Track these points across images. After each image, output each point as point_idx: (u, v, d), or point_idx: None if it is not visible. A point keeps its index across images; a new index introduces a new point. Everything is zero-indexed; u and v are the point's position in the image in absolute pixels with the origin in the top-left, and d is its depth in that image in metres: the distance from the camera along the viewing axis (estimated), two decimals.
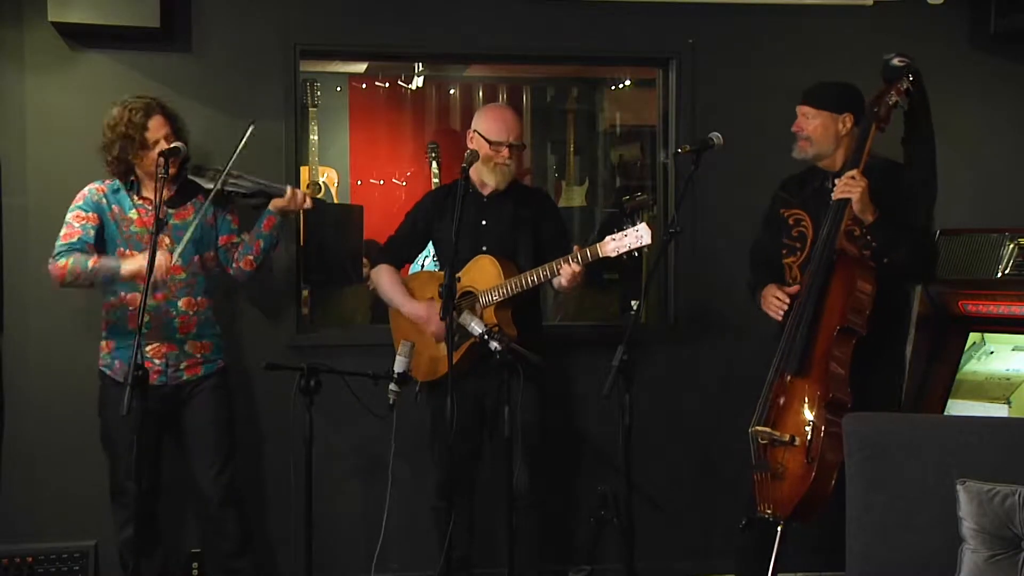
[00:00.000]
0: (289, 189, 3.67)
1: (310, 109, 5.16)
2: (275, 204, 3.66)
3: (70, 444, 3.95)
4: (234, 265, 3.67)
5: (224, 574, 3.70)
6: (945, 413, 3.54)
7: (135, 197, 3.55)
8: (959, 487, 2.57)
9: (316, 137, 5.30)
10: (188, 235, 3.46)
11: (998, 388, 3.49)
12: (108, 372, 3.55)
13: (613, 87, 5.98)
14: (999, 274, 3.49)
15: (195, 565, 3.99)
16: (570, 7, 4.26)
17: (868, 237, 3.28)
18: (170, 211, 3.54)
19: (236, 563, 3.65)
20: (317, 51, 4.42)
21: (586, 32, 4.30)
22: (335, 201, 5.67)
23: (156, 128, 3.47)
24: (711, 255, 4.25)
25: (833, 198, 3.31)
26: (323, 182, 5.60)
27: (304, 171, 5.03)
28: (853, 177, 3.26)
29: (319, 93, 5.24)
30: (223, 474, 3.59)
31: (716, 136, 3.45)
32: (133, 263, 3.39)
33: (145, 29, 3.83)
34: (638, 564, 3.46)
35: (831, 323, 3.24)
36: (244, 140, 3.58)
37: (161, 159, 3.26)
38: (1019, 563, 2.47)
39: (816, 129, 3.45)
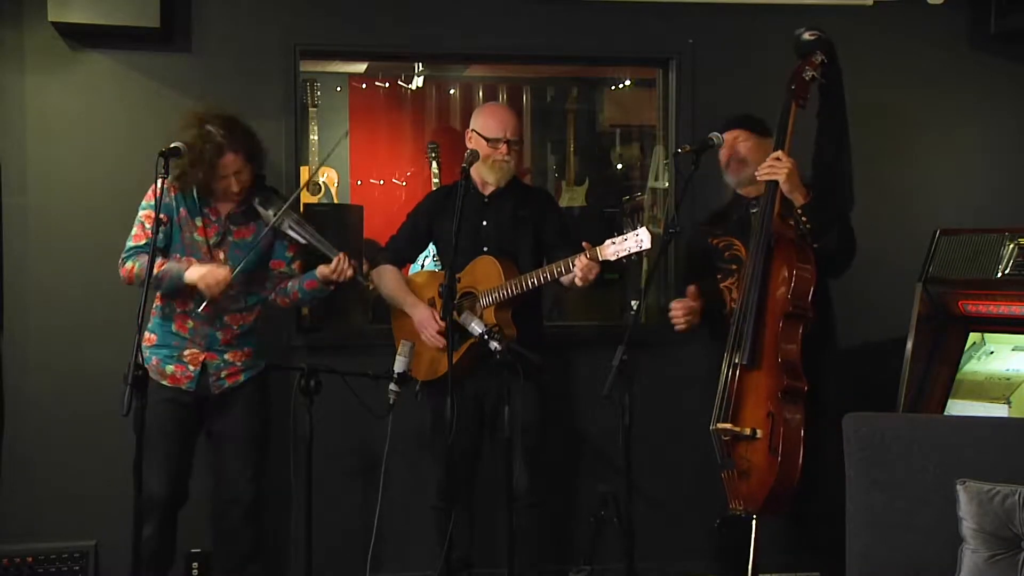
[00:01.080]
0: (339, 256, 3.48)
1: (310, 109, 5.17)
2: (321, 272, 3.51)
3: (70, 444, 3.96)
4: (272, 296, 3.62)
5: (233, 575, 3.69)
6: (945, 413, 3.53)
7: (204, 207, 3.50)
8: (959, 487, 2.56)
9: (316, 137, 5.30)
10: (250, 256, 3.46)
11: (998, 388, 3.49)
12: (145, 365, 3.48)
13: (613, 87, 5.98)
14: (999, 274, 3.49)
15: (195, 565, 3.99)
16: (570, 7, 4.27)
17: (803, 219, 3.30)
18: (231, 227, 3.51)
19: (248, 567, 3.62)
20: (317, 51, 4.42)
21: (586, 32, 4.30)
22: (335, 201, 5.67)
23: (228, 164, 3.41)
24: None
25: (759, 179, 3.34)
26: (323, 182, 5.60)
27: (304, 171, 5.03)
28: (779, 158, 3.29)
29: (319, 93, 5.24)
30: (254, 481, 3.57)
31: (716, 136, 3.46)
32: (196, 272, 3.35)
33: (145, 29, 3.84)
34: (638, 564, 3.46)
35: (776, 310, 3.27)
36: (303, 187, 3.57)
37: (162, 159, 3.24)
38: (1019, 563, 2.47)
39: (753, 151, 3.52)
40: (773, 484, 3.17)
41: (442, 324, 3.58)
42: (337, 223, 4.81)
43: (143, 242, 3.42)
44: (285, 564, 4.07)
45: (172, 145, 3.29)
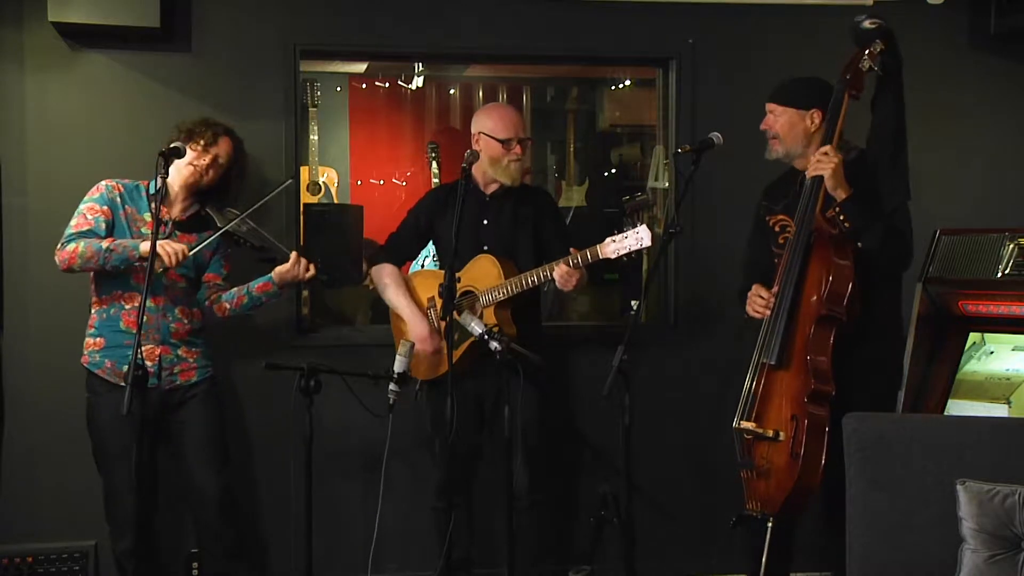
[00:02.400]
0: (293, 254, 3.57)
1: (310, 109, 5.17)
2: (278, 271, 3.58)
3: (70, 444, 3.94)
4: (207, 304, 3.64)
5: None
6: (945, 413, 3.53)
7: (152, 206, 3.50)
8: (959, 487, 2.56)
9: (316, 137, 5.30)
10: (197, 247, 3.47)
11: (998, 388, 3.48)
12: (96, 371, 3.52)
13: (613, 87, 5.98)
14: (999, 274, 3.48)
15: (195, 565, 3.99)
16: (570, 7, 4.27)
17: (841, 217, 3.18)
18: (177, 232, 3.52)
19: (233, 565, 3.64)
20: (317, 51, 4.42)
21: (586, 32, 4.30)
22: (335, 201, 5.68)
23: (220, 149, 3.51)
24: (711, 255, 4.25)
25: (807, 176, 3.25)
26: (323, 182, 5.60)
27: (304, 171, 5.03)
28: (826, 153, 3.19)
29: (319, 93, 5.24)
30: (221, 477, 3.59)
31: (716, 136, 3.44)
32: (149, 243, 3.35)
33: (145, 29, 3.83)
34: (638, 564, 3.46)
35: (810, 312, 3.19)
36: (272, 195, 3.56)
37: (161, 159, 3.25)
38: (1019, 563, 2.47)
39: (783, 126, 3.39)
40: (792, 488, 3.11)
41: (439, 344, 3.60)
42: (337, 223, 4.81)
43: (86, 228, 3.43)
44: (285, 564, 4.07)
45: (172, 145, 3.30)
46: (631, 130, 6.02)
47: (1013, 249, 3.48)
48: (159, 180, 3.21)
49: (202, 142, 3.48)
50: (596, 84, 6.10)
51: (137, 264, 3.39)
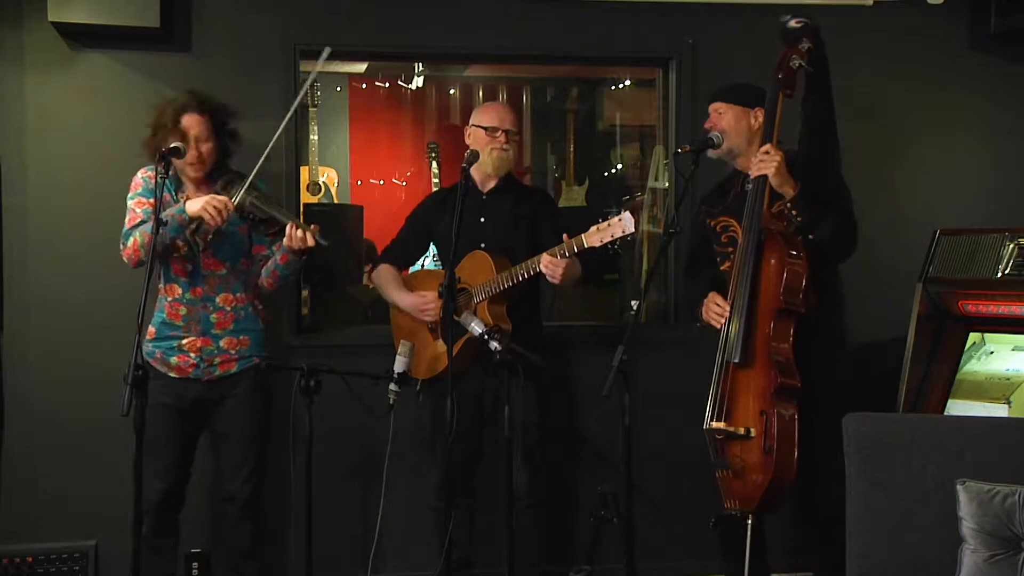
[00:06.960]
0: (289, 226, 3.36)
1: (310, 109, 5.17)
2: (285, 242, 3.42)
3: (70, 444, 3.96)
4: (260, 279, 3.59)
5: (230, 573, 3.69)
6: (945, 413, 3.53)
7: (180, 194, 3.47)
8: (959, 487, 2.57)
9: (316, 137, 5.31)
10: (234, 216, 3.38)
11: (998, 388, 3.49)
12: (150, 359, 3.45)
13: (613, 87, 5.98)
14: (999, 274, 3.49)
15: (195, 565, 3.99)
16: (570, 7, 4.27)
17: (793, 212, 3.24)
18: None
19: (245, 564, 3.63)
20: (317, 51, 4.40)
21: (586, 32, 4.30)
22: (335, 201, 5.68)
23: (191, 125, 3.37)
24: None
25: (751, 176, 3.29)
26: (323, 182, 5.60)
27: (304, 171, 5.03)
28: (768, 152, 3.24)
29: (319, 93, 5.24)
30: (250, 480, 3.55)
31: (716, 136, 3.44)
32: (196, 202, 3.29)
33: (145, 29, 3.84)
34: (638, 564, 3.46)
35: (768, 307, 3.23)
36: (263, 159, 3.38)
37: (161, 160, 3.24)
38: (1019, 563, 2.47)
39: (729, 123, 3.45)
40: (768, 483, 3.14)
41: (432, 302, 3.63)
42: (337, 223, 4.82)
43: (138, 220, 3.39)
44: (285, 564, 4.07)
45: (172, 145, 3.29)
46: (631, 130, 6.03)
47: (1013, 249, 3.48)
48: (159, 184, 3.17)
49: (173, 127, 3.36)
50: (596, 84, 6.10)
51: (182, 240, 3.34)
